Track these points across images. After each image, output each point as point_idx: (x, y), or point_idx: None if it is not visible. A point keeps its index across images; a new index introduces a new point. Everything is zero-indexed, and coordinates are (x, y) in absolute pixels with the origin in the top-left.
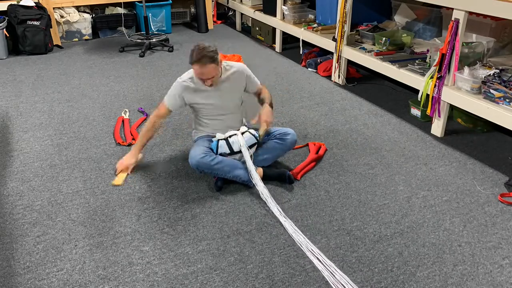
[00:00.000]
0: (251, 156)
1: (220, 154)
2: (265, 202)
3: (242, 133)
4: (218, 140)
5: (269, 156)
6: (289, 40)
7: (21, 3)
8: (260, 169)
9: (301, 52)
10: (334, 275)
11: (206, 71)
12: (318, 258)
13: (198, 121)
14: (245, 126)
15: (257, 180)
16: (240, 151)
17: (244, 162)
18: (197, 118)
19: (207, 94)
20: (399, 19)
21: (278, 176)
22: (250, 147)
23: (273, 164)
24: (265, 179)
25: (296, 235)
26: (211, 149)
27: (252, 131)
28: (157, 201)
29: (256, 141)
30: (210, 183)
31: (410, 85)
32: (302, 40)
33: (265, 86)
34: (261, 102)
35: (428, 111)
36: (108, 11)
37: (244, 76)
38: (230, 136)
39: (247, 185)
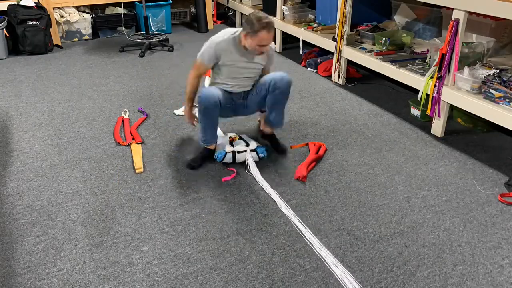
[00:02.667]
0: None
1: (223, 163)
2: (267, 197)
3: (251, 150)
4: (226, 152)
5: (277, 112)
6: (289, 40)
7: (21, 3)
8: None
9: (301, 52)
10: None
11: (271, 36)
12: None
13: (217, 78)
14: (255, 142)
15: (262, 181)
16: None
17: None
18: (218, 74)
19: (238, 59)
20: (399, 19)
21: (277, 147)
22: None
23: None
24: (271, 141)
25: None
26: (217, 156)
27: (260, 150)
28: (157, 201)
29: (258, 159)
30: (210, 183)
31: (410, 85)
32: (302, 40)
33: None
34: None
35: (428, 111)
36: (108, 11)
37: (269, 54)
38: (238, 152)
39: (247, 183)
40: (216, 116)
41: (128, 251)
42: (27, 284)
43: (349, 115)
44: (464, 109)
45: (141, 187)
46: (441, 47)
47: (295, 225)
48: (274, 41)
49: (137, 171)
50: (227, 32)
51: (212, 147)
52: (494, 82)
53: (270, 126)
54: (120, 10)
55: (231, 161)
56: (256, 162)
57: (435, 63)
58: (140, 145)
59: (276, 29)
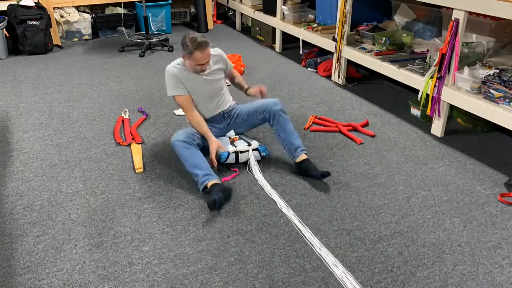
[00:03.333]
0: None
1: (226, 164)
2: (270, 198)
3: (253, 149)
4: (229, 153)
5: (294, 135)
6: (289, 40)
7: (21, 3)
8: (304, 155)
9: (301, 52)
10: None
11: (207, 55)
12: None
13: (195, 106)
14: (256, 141)
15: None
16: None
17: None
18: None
19: (197, 78)
20: (399, 19)
21: (310, 171)
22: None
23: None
24: (302, 169)
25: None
26: (220, 157)
27: (262, 149)
28: (157, 201)
29: (260, 158)
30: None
31: (410, 85)
32: (302, 40)
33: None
34: (240, 85)
35: (428, 111)
36: (108, 11)
37: (223, 58)
38: (241, 152)
39: (247, 183)
40: (195, 155)
41: (128, 251)
42: (27, 284)
43: (349, 115)
44: (464, 109)
45: (141, 187)
46: (441, 47)
47: (295, 225)
48: (274, 42)
49: (137, 171)
50: (175, 61)
51: (214, 181)
52: (494, 82)
53: (298, 151)
54: (120, 10)
55: (234, 161)
56: (257, 161)
57: (435, 63)
58: (140, 145)
59: (276, 29)
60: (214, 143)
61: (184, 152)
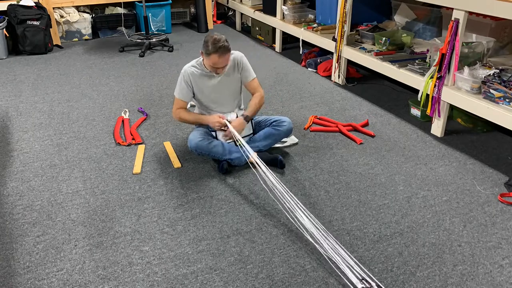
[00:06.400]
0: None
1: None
2: (268, 191)
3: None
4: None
5: (264, 143)
6: (289, 40)
7: (21, 3)
8: (254, 154)
9: (301, 52)
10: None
11: (224, 60)
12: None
13: (199, 106)
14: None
15: (257, 160)
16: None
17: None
18: (199, 103)
19: (211, 79)
20: (399, 19)
21: (270, 160)
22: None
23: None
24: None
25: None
26: (212, 135)
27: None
28: (157, 201)
29: (252, 131)
30: (210, 183)
31: (410, 85)
32: (302, 40)
33: (260, 85)
34: (248, 108)
35: (428, 111)
36: (108, 11)
37: (238, 63)
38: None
39: (247, 183)
40: (212, 147)
41: (128, 251)
42: (27, 284)
43: (349, 115)
44: (464, 109)
45: (141, 187)
46: (441, 47)
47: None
48: (274, 42)
49: (133, 172)
50: (194, 60)
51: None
52: (494, 82)
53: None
54: (120, 10)
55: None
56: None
57: (435, 63)
58: (143, 146)
59: (276, 29)
60: (210, 118)
61: (209, 146)
